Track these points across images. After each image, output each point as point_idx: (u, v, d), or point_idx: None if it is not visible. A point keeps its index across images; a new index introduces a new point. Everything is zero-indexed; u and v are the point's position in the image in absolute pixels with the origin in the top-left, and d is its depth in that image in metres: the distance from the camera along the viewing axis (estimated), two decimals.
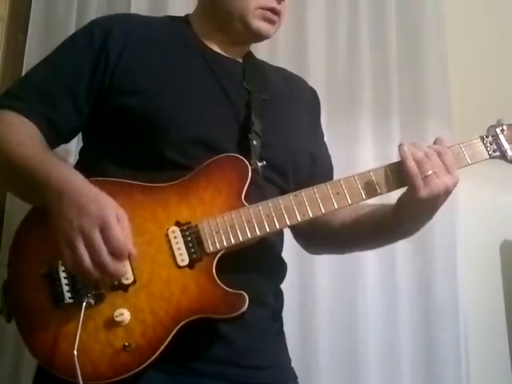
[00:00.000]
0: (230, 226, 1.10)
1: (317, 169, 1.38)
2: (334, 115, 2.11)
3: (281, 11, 1.32)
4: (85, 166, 1.23)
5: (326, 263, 2.04)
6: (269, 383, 1.22)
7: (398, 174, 1.16)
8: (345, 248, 1.45)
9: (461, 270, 2.13)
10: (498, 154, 1.21)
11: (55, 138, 1.23)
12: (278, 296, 1.33)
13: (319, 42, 2.18)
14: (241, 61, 1.38)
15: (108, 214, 1.01)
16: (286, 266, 1.35)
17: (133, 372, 1.03)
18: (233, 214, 1.12)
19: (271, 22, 1.31)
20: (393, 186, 1.17)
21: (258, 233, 1.12)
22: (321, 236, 1.38)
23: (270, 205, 1.13)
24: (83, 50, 1.25)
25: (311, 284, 2.04)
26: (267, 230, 1.12)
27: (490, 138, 1.21)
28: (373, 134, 2.17)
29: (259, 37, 1.33)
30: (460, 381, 2.05)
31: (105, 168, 1.18)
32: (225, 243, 1.10)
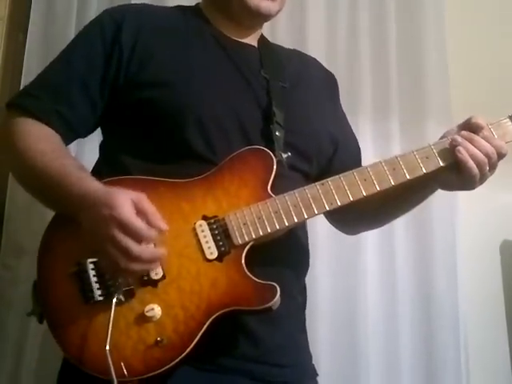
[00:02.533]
0: (257, 217, 1.10)
1: (341, 152, 1.38)
2: None
3: None
4: (106, 160, 1.25)
5: (325, 261, 2.04)
6: (289, 381, 1.22)
7: (429, 162, 1.15)
8: (380, 220, 1.45)
9: (461, 270, 2.12)
10: None
11: (71, 134, 1.24)
12: (303, 291, 1.34)
13: (319, 41, 2.18)
14: (256, 46, 1.36)
15: (119, 211, 1.01)
16: (309, 260, 1.35)
17: (166, 367, 1.03)
18: (260, 205, 1.11)
19: None
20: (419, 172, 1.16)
21: (286, 223, 1.11)
22: (355, 216, 1.36)
23: (296, 195, 1.11)
24: (95, 43, 1.24)
25: (311, 284, 2.03)
26: (295, 220, 1.11)
27: None
28: (372, 133, 2.17)
29: (260, 15, 1.30)
30: (460, 380, 2.05)
31: (126, 163, 1.18)
32: (253, 235, 1.09)
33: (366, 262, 2.07)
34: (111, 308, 1.04)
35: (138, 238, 1.01)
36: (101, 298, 1.06)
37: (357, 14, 2.23)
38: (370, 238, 2.04)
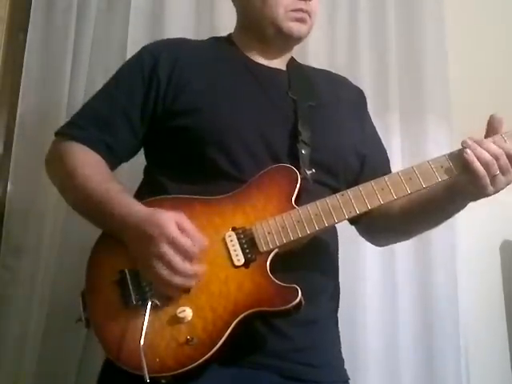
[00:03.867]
0: (281, 226, 1.20)
1: (368, 166, 1.44)
2: None
3: (310, 10, 1.38)
4: (147, 182, 1.39)
5: None
6: (321, 382, 1.28)
7: (443, 170, 1.19)
8: (409, 232, 1.51)
9: (461, 270, 2.12)
10: None
11: (116, 160, 1.38)
12: (334, 294, 1.43)
13: (319, 39, 2.18)
14: (284, 69, 1.44)
15: (169, 230, 1.12)
16: (338, 264, 1.45)
17: (196, 363, 1.11)
18: (283, 215, 1.21)
19: (301, 20, 1.37)
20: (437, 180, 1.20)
21: (308, 231, 1.20)
22: (383, 226, 1.46)
23: (317, 204, 1.21)
24: (135, 76, 1.37)
25: None
26: (316, 227, 1.20)
27: None
28: None
29: (291, 37, 1.39)
30: (460, 380, 2.05)
31: (164, 184, 1.31)
32: (277, 242, 1.19)
33: (366, 262, 2.07)
34: (147, 310, 1.15)
35: (186, 254, 1.12)
36: (138, 303, 1.17)
37: (357, 14, 2.23)
38: None
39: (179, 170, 1.31)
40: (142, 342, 1.11)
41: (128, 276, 1.19)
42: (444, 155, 1.21)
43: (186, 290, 1.16)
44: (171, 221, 1.13)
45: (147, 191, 1.32)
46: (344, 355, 1.98)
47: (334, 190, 1.31)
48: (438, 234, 2.11)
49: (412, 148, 2.18)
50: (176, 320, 1.15)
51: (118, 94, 1.37)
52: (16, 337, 1.89)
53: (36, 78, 2.07)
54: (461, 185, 1.21)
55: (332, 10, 2.24)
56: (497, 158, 1.15)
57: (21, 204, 1.98)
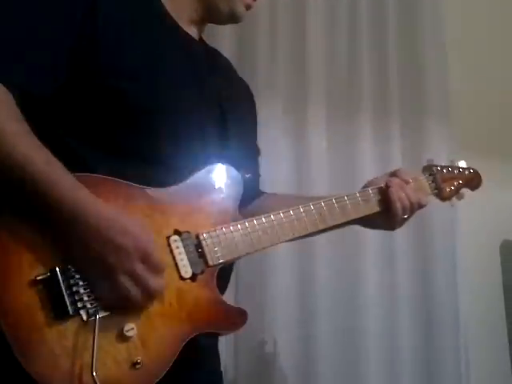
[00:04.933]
0: (230, 238, 1.09)
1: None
2: (334, 114, 2.11)
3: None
4: (50, 144, 1.00)
5: (325, 262, 2.04)
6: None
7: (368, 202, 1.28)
8: None
9: (461, 270, 2.13)
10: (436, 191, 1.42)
11: (23, 102, 1.02)
12: None
13: (319, 42, 2.18)
14: (200, 42, 1.30)
15: (145, 245, 0.97)
16: None
17: None
18: (232, 227, 1.10)
19: (249, 8, 1.28)
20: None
21: (256, 247, 1.12)
22: None
23: (263, 219, 1.14)
24: (64, 5, 1.05)
25: (310, 285, 2.04)
26: (263, 245, 1.14)
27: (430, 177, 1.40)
28: (373, 133, 2.17)
29: (236, 20, 1.29)
30: (460, 380, 2.05)
31: (81, 153, 1.04)
32: (227, 257, 1.08)
33: (366, 262, 2.07)
34: (90, 325, 0.94)
35: (155, 270, 0.97)
36: (74, 313, 0.93)
37: (357, 14, 2.24)
38: (371, 237, 2.04)
39: (105, 139, 1.06)
40: (94, 372, 0.91)
41: (60, 278, 0.93)
42: (369, 189, 1.29)
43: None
44: (143, 231, 0.98)
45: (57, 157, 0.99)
46: (344, 356, 2.01)
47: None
48: (438, 234, 2.11)
49: (412, 148, 2.18)
50: (121, 339, 0.96)
51: (41, 20, 1.03)
52: None
53: None
54: (373, 217, 1.30)
55: (332, 11, 2.24)
56: (412, 205, 1.29)
57: None
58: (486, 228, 2.20)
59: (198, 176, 1.11)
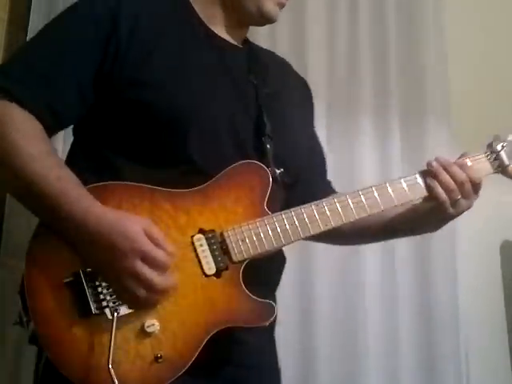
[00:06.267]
0: (255, 234, 1.09)
1: (312, 163, 1.38)
2: (334, 113, 2.12)
3: None
4: (89, 157, 1.15)
5: (325, 264, 2.04)
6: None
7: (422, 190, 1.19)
8: (348, 243, 1.50)
9: (461, 270, 2.13)
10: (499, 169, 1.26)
11: (55, 127, 1.13)
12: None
13: (319, 41, 2.18)
14: (241, 46, 1.31)
15: (139, 244, 1.00)
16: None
17: None
18: (257, 222, 1.10)
19: (282, 5, 1.27)
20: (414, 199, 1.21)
21: (283, 241, 1.11)
22: (334, 236, 1.32)
23: (292, 214, 1.12)
24: (87, 27, 1.12)
25: (310, 291, 2.04)
26: (292, 239, 1.12)
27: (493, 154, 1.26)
28: (373, 132, 2.18)
29: (268, 20, 1.27)
30: (460, 380, 2.05)
31: (117, 163, 1.12)
32: (251, 252, 1.09)
33: (366, 262, 2.07)
34: (111, 323, 0.99)
35: (160, 267, 1.01)
36: (97, 312, 1.01)
37: (357, 15, 2.24)
38: None
39: (134, 148, 1.12)
40: (110, 364, 0.96)
41: (84, 279, 1.01)
42: (415, 174, 1.21)
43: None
44: (140, 231, 1.00)
45: (87, 167, 1.11)
46: (344, 357, 2.01)
47: (289, 191, 1.24)
48: (438, 235, 2.10)
49: (412, 148, 2.18)
50: (143, 334, 1.01)
51: (66, 47, 1.11)
52: (16, 337, 1.89)
53: None
54: (423, 206, 1.23)
55: (332, 11, 2.24)
56: (461, 185, 1.17)
57: (21, 204, 1.98)
58: (486, 228, 2.19)
59: (224, 175, 1.12)
